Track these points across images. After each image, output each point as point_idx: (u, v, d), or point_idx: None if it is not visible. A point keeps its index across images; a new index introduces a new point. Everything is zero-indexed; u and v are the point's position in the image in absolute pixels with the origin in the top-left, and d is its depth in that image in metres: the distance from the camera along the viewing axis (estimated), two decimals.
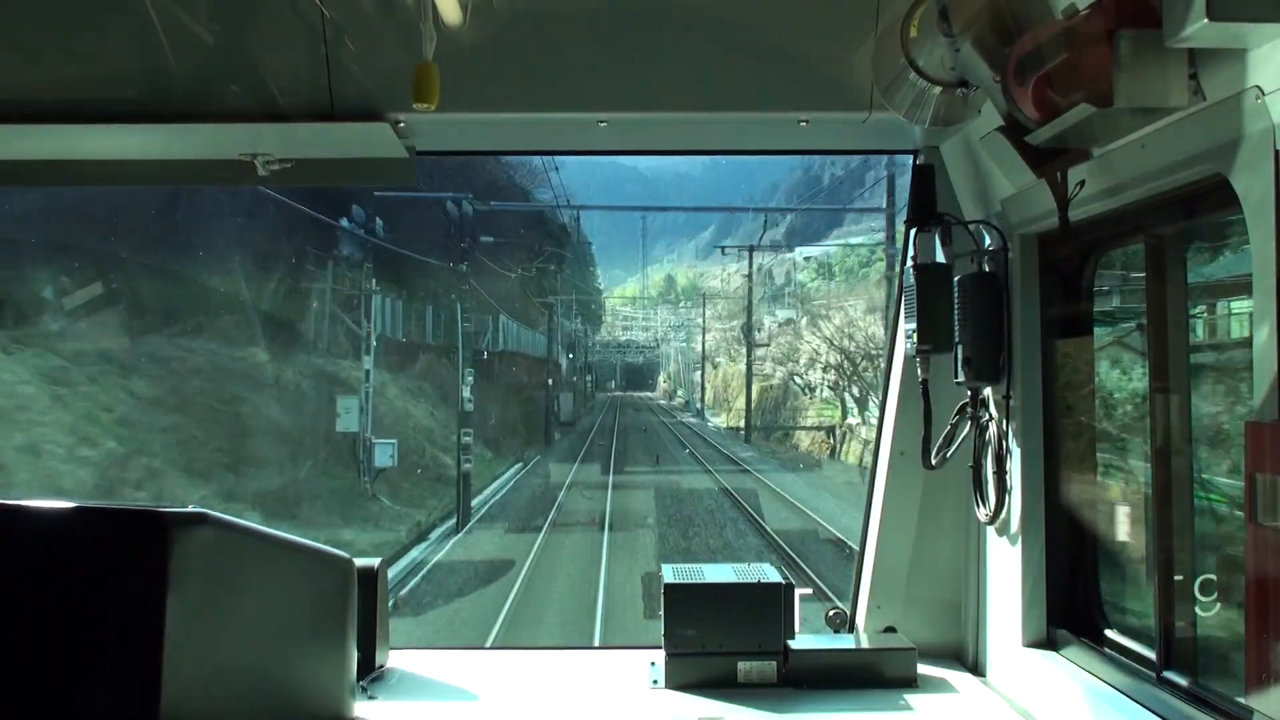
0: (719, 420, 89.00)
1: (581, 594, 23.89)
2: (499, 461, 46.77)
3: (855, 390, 55.47)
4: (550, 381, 64.46)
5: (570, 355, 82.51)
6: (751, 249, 67.99)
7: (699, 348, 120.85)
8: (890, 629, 4.32)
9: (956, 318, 3.80)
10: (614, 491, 37.97)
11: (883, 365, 4.72)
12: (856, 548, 4.65)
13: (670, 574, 4.12)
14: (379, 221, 38.95)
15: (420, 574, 25.37)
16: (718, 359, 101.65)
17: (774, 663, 3.92)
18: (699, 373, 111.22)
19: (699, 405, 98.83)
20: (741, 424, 73.86)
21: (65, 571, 2.59)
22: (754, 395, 77.75)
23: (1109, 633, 3.49)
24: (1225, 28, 2.19)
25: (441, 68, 3.17)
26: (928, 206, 3.95)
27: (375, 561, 3.99)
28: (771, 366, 74.98)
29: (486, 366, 53.80)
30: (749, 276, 69.45)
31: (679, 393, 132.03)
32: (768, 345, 76.05)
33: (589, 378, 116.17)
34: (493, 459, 45.56)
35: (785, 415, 70.36)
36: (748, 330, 71.05)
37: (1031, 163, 3.28)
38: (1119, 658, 3.32)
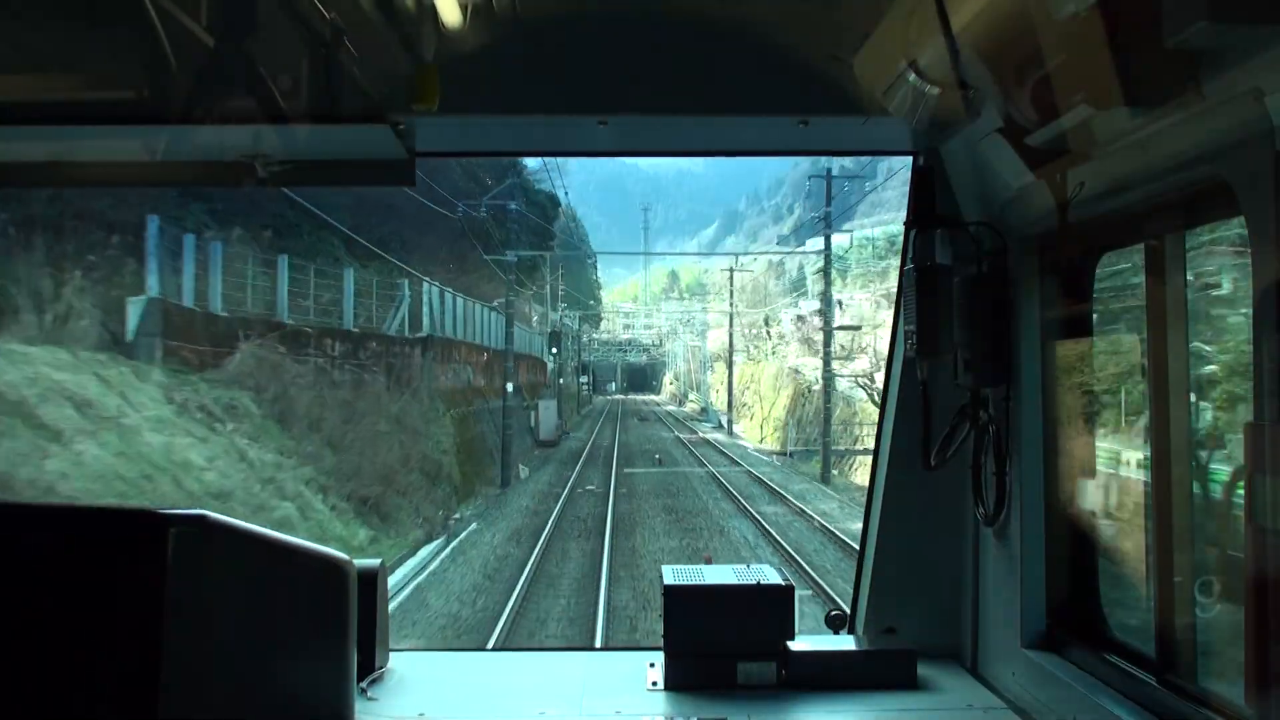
0: (749, 433, 70.62)
1: None
2: (390, 543, 25.60)
3: None
4: (513, 386, 43.15)
5: (555, 350, 64.76)
6: (829, 175, 47.52)
7: (710, 345, 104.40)
8: (890, 630, 4.32)
9: (957, 319, 3.80)
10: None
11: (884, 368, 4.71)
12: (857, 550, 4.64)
13: (670, 575, 4.12)
14: None
15: None
16: (734, 357, 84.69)
17: (773, 664, 3.92)
18: (714, 373, 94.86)
19: (721, 416, 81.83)
20: (791, 445, 55.68)
21: (65, 572, 2.59)
22: (788, 403, 59.67)
23: (1108, 633, 3.49)
24: (1225, 28, 2.20)
25: (442, 69, 3.17)
26: (928, 208, 3.95)
27: (376, 563, 4.00)
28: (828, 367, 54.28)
29: (397, 360, 35.37)
30: (825, 215, 48.43)
31: (691, 397, 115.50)
32: (858, 328, 56.56)
33: (584, 379, 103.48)
34: (373, 541, 24.91)
35: (835, 431, 49.48)
36: (825, 305, 50.31)
37: (1031, 164, 3.29)
38: (1118, 659, 3.32)
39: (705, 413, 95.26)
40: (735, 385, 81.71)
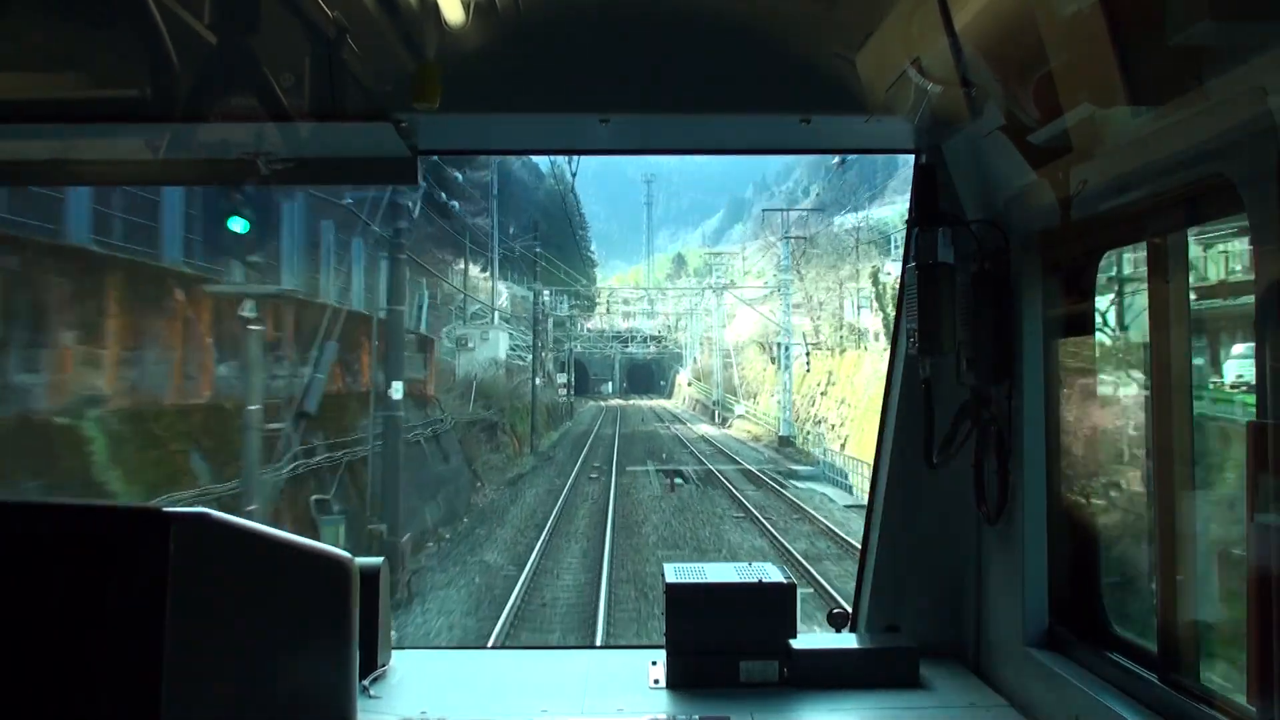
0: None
1: None
2: None
3: None
4: None
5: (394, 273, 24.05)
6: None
7: (727, 337, 76.97)
8: (892, 628, 4.32)
9: (959, 317, 3.80)
10: None
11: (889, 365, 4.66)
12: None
13: (672, 573, 4.12)
14: None
15: None
16: (787, 353, 53.97)
17: (775, 662, 3.93)
18: (790, 370, 51.43)
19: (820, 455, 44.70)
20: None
21: (65, 571, 2.59)
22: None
23: (1111, 632, 3.49)
24: (1227, 27, 2.19)
25: (444, 68, 3.17)
26: (930, 206, 3.95)
27: (378, 561, 4.00)
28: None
29: None
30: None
31: (736, 409, 74.77)
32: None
33: (564, 379, 78.38)
34: None
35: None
36: None
37: (1033, 162, 3.28)
38: (1121, 657, 3.32)
39: (789, 443, 50.16)
40: (797, 393, 47.55)
